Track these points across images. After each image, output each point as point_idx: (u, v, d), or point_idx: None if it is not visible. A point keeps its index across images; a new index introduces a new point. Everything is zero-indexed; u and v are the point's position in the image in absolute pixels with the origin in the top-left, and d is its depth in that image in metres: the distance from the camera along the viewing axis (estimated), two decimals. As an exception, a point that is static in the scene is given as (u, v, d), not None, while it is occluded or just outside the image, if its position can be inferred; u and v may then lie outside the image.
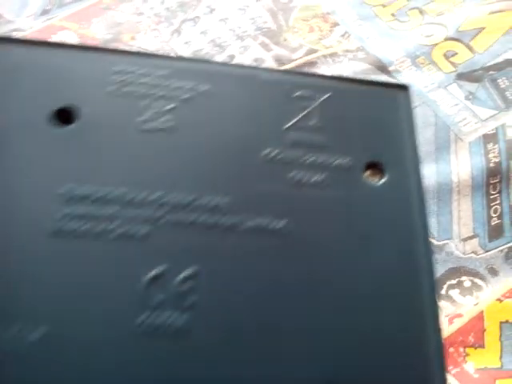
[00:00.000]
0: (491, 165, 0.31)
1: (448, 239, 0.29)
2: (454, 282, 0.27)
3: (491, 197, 0.30)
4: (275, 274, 0.13)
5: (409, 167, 0.16)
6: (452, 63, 0.36)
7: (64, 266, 0.12)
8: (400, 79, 0.35)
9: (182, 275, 0.13)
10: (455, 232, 0.29)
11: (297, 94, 0.16)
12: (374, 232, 0.15)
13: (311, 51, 0.38)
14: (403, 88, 0.17)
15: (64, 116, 0.14)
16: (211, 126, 0.15)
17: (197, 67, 0.16)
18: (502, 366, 0.25)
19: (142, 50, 0.20)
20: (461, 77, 0.36)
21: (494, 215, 0.30)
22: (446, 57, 0.37)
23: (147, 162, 0.14)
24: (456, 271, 0.28)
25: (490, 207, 0.30)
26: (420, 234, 0.15)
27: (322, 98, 0.16)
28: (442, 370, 0.14)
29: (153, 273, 0.13)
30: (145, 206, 0.13)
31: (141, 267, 0.13)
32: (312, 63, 0.37)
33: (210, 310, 0.12)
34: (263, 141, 0.15)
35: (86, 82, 0.14)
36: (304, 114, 0.16)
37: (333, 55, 0.38)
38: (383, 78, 0.36)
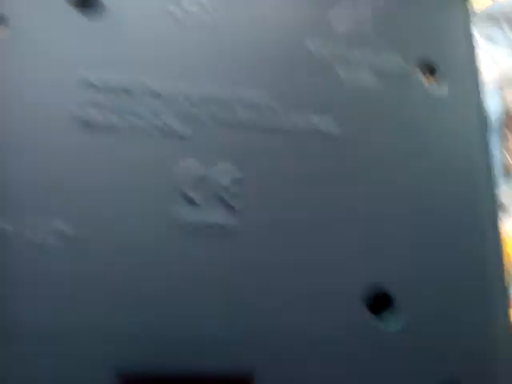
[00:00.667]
0: (506, 108, 0.31)
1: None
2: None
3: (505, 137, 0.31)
4: (323, 175, 0.12)
5: (466, 73, 0.14)
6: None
7: (96, 159, 0.12)
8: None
9: (220, 175, 0.12)
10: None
11: None
12: (427, 137, 0.13)
13: None
14: None
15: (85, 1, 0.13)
16: (249, 12, 0.13)
17: None
18: None
19: None
20: (480, 19, 0.36)
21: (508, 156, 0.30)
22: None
23: (179, 50, 0.13)
24: None
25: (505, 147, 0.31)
26: (480, 151, 0.14)
27: None
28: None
29: (192, 170, 0.12)
30: (178, 99, 0.12)
31: (179, 163, 0.12)
32: None
33: (250, 213, 0.12)
34: (307, 30, 0.13)
35: None
36: (350, 8, 0.14)
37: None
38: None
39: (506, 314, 0.13)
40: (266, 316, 0.11)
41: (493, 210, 0.13)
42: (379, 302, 0.12)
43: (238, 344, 0.11)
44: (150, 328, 0.11)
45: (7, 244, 0.11)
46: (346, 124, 0.13)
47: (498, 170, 0.30)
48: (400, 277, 0.12)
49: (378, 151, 0.13)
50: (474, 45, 0.15)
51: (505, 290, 0.13)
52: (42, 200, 0.11)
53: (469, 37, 0.15)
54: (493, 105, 0.32)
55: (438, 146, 0.13)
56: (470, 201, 0.13)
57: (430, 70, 0.14)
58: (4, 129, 0.11)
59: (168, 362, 0.11)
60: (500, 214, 0.26)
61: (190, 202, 0.11)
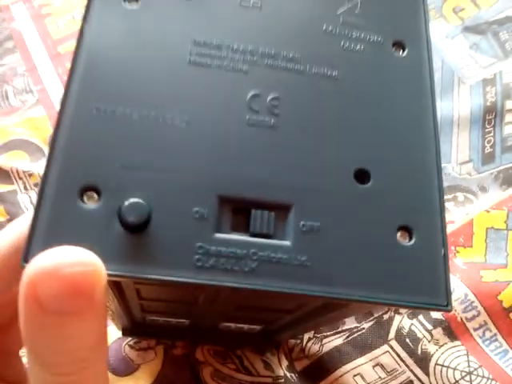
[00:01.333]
0: (488, 104, 0.36)
1: (447, 163, 0.35)
2: (449, 196, 0.32)
3: (486, 130, 0.35)
4: (330, 101, 0.20)
5: (423, 47, 0.22)
6: (459, 17, 0.41)
7: (196, 83, 0.19)
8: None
9: (270, 96, 0.20)
10: (453, 157, 0.34)
11: None
12: (397, 85, 0.21)
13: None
14: None
15: None
16: (285, 6, 0.21)
17: None
18: (486, 260, 0.30)
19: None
20: (467, 29, 0.40)
21: (487, 145, 0.35)
22: (455, 11, 0.41)
23: (244, 26, 0.21)
24: (452, 188, 0.33)
25: (484, 138, 0.35)
26: (428, 89, 0.21)
27: None
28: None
29: (252, 92, 0.19)
30: (244, 53, 0.20)
31: (245, 89, 0.19)
32: None
33: (289, 117, 0.19)
34: (323, 19, 0.21)
35: None
36: (351, 5, 0.22)
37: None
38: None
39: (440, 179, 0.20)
40: (293, 170, 0.19)
41: (433, 124, 0.21)
42: (361, 174, 0.19)
43: (279, 183, 0.18)
44: (234, 169, 0.18)
45: (151, 124, 0.18)
46: (344, 72, 0.21)
47: (478, 157, 0.34)
48: (374, 159, 0.19)
49: (362, 88, 0.21)
50: (428, 22, 0.23)
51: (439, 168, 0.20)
52: (169, 99, 0.19)
53: (426, 17, 0.23)
54: (476, 101, 0.36)
55: (401, 87, 0.21)
56: (419, 121, 0.21)
57: (399, 44, 0.22)
58: (141, 67, 0.19)
59: (242, 191, 0.18)
60: (480, 194, 0.31)
61: (252, 109, 0.19)
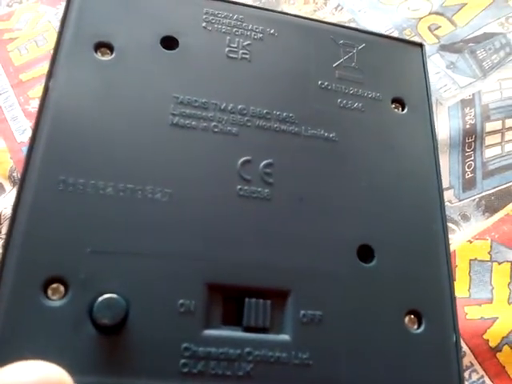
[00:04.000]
0: (467, 126, 0.34)
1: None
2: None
3: (466, 154, 0.34)
4: (328, 166, 0.19)
5: (424, 104, 0.21)
6: (435, 35, 0.40)
7: (180, 149, 0.17)
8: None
9: (263, 162, 0.18)
10: (433, 184, 0.33)
11: (341, 41, 0.21)
12: (397, 145, 0.20)
13: (307, 22, 0.41)
14: (420, 45, 0.23)
15: (169, 42, 0.19)
16: (278, 59, 0.20)
17: (265, 14, 0.20)
18: (470, 295, 0.29)
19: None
20: (443, 48, 0.39)
21: (467, 170, 0.33)
22: (430, 30, 0.40)
23: (233, 81, 0.19)
24: (433, 217, 0.31)
25: (464, 163, 0.33)
26: (431, 147, 0.20)
27: (360, 47, 0.21)
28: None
29: (243, 158, 0.18)
30: (233, 113, 0.18)
31: (235, 154, 0.18)
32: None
33: (284, 187, 0.18)
34: (318, 74, 0.20)
35: (184, 18, 0.19)
36: (347, 57, 0.20)
37: (326, 26, 0.41)
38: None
39: (449, 262, 0.19)
40: (289, 250, 0.17)
41: (438, 190, 0.20)
42: (364, 251, 0.18)
43: (275, 267, 0.17)
44: (224, 252, 0.16)
45: (128, 199, 0.16)
46: (341, 133, 0.19)
47: (459, 183, 0.33)
48: (378, 235, 0.18)
49: (361, 150, 0.19)
50: (428, 81, 0.21)
51: (447, 245, 0.19)
52: (149, 169, 0.17)
53: (426, 76, 0.21)
54: (454, 123, 0.35)
55: (401, 147, 0.20)
56: (422, 183, 0.20)
57: (399, 101, 0.20)
58: (116, 131, 0.17)
59: (234, 277, 0.16)
60: (462, 223, 0.29)
61: (243, 179, 0.17)
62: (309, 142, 0.19)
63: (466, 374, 0.27)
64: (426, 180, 0.19)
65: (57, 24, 0.43)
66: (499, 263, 0.30)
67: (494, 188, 0.32)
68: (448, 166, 0.33)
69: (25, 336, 0.14)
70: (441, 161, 0.33)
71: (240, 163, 0.17)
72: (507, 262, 0.29)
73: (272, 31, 0.20)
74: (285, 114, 0.19)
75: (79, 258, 0.15)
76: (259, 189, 0.17)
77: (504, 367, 0.27)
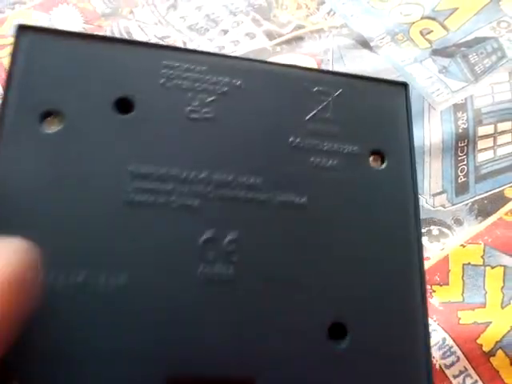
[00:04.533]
0: (460, 130, 0.34)
1: (420, 194, 0.33)
2: (424, 230, 0.31)
3: (459, 158, 0.34)
4: (299, 238, 0.17)
5: (405, 155, 0.19)
6: (428, 40, 0.40)
7: (135, 229, 0.16)
8: (380, 54, 0.39)
9: (227, 239, 0.16)
10: (426, 188, 0.33)
11: (315, 89, 0.19)
12: (375, 206, 0.18)
13: (299, 27, 0.41)
14: (404, 85, 0.21)
15: (123, 105, 0.17)
16: (245, 116, 0.18)
17: (230, 63, 0.19)
18: (463, 300, 0.29)
19: (182, 46, 0.22)
20: (435, 52, 0.39)
21: (460, 174, 0.33)
22: (423, 34, 0.40)
23: (195, 146, 0.17)
24: (426, 222, 0.31)
25: (457, 167, 0.33)
26: (411, 208, 0.18)
27: (335, 94, 0.19)
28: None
29: (205, 236, 0.16)
30: (195, 183, 0.17)
31: (196, 231, 0.16)
32: (300, 38, 0.41)
33: (250, 265, 0.16)
34: (289, 130, 0.18)
35: (140, 75, 0.17)
36: (320, 107, 0.19)
37: (319, 31, 0.41)
38: (365, 52, 0.39)
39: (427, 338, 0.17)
40: (255, 336, 0.16)
41: (418, 254, 0.18)
42: (335, 329, 0.17)
43: (239, 355, 0.16)
44: (181, 345, 0.15)
45: (77, 292, 0.15)
46: (314, 197, 0.18)
47: (452, 187, 0.33)
48: (351, 311, 0.17)
49: (336, 215, 0.18)
50: (411, 127, 0.20)
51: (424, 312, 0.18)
52: (100, 257, 0.15)
53: (409, 122, 0.20)
54: (447, 128, 0.35)
55: (380, 209, 0.18)
56: (402, 250, 0.18)
57: (378, 153, 0.19)
58: (64, 213, 0.16)
59: (196, 369, 0.15)
60: (455, 228, 0.29)
61: (205, 260, 0.16)
62: (277, 210, 0.17)
63: (460, 379, 0.27)
64: (405, 244, 0.18)
65: (49, 30, 0.43)
66: (492, 267, 0.30)
67: (487, 192, 0.32)
68: (441, 171, 0.33)
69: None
70: (434, 165, 0.34)
71: (201, 242, 0.16)
72: (500, 266, 0.30)
73: (238, 83, 0.18)
74: (251, 181, 0.17)
75: None
76: (222, 270, 0.16)
77: (498, 372, 0.27)
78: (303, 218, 0.17)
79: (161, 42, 0.41)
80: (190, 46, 0.40)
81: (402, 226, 0.18)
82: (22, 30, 0.17)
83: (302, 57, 0.39)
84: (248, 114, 0.18)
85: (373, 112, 0.19)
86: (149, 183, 0.16)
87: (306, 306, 0.16)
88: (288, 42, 0.41)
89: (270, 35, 0.41)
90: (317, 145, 0.18)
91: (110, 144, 0.16)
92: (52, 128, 0.16)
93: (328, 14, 0.42)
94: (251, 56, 0.39)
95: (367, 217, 0.18)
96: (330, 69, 0.38)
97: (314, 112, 0.19)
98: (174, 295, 0.16)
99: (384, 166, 0.19)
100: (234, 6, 0.43)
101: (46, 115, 0.16)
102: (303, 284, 0.17)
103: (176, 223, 0.16)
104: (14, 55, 0.16)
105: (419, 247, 0.18)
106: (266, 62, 0.20)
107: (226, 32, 0.42)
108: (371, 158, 0.19)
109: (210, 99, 0.18)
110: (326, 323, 0.16)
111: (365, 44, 0.39)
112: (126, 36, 0.42)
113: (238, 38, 0.41)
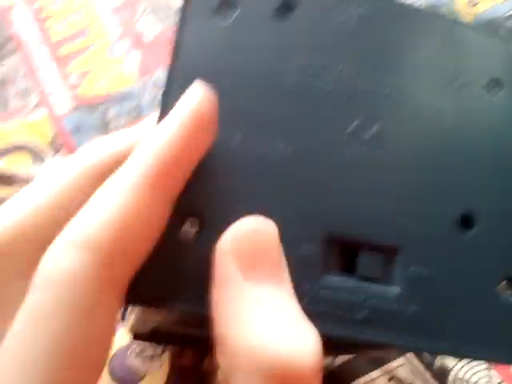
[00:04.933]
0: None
1: None
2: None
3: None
4: (435, 134, 0.19)
5: None
6: (473, 12, 0.40)
7: (300, 105, 0.18)
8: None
9: (374, 128, 0.18)
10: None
11: (437, 28, 0.21)
12: (501, 128, 0.20)
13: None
14: None
15: (287, 5, 0.19)
16: (386, 34, 0.20)
17: None
18: None
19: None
20: (484, 24, 0.39)
21: None
22: (468, 6, 0.40)
23: (352, 45, 0.19)
24: None
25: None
26: None
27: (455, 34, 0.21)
28: None
29: (357, 121, 0.18)
30: (351, 76, 0.19)
31: (349, 116, 0.18)
32: None
33: (393, 152, 0.18)
34: (421, 51, 0.20)
35: None
36: (443, 42, 0.20)
37: None
38: None
39: None
40: (397, 211, 0.18)
41: None
42: (465, 219, 0.18)
43: (387, 223, 0.18)
44: (339, 206, 0.17)
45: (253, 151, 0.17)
46: (447, 107, 0.20)
47: None
48: (480, 202, 0.19)
49: (466, 124, 0.20)
50: None
51: None
52: (269, 125, 0.18)
53: None
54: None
55: (504, 128, 0.20)
56: None
57: (497, 81, 0.20)
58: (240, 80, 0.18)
59: (351, 230, 0.17)
60: None
61: (355, 141, 0.18)
62: (417, 109, 0.19)
63: None
64: None
65: (92, 1, 0.44)
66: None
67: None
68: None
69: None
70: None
71: (353, 124, 0.18)
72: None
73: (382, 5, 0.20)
74: (396, 82, 0.19)
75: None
76: (369, 152, 0.18)
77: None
78: (438, 121, 0.19)
79: None
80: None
81: None
82: None
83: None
84: (390, 30, 0.20)
85: (489, 49, 0.21)
86: (306, 73, 0.18)
87: (440, 194, 0.18)
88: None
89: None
90: (444, 67, 0.20)
91: (274, 37, 0.18)
92: (226, 19, 0.18)
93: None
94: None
95: (494, 131, 0.20)
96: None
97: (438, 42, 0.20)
98: (328, 167, 0.18)
99: (502, 93, 0.20)
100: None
101: (222, 3, 0.18)
102: (438, 176, 0.19)
103: (332, 106, 0.18)
104: None
105: None
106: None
107: None
108: (491, 86, 0.20)
109: (359, 12, 0.19)
110: (456, 212, 0.18)
111: None
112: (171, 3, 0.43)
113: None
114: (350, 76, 0.19)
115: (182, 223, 0.16)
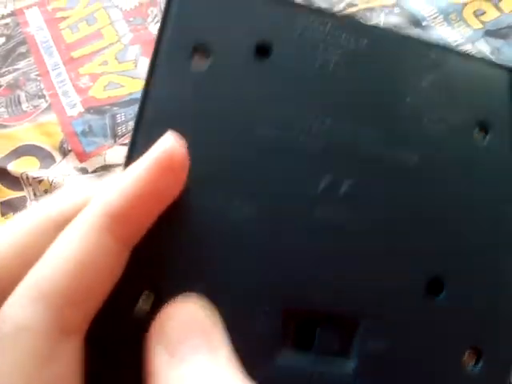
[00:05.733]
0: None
1: None
2: None
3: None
4: (406, 194, 0.18)
5: (507, 131, 0.20)
6: (481, 21, 0.39)
7: (265, 164, 0.17)
8: (432, 33, 0.39)
9: (344, 185, 0.18)
10: None
11: (428, 57, 0.20)
12: (480, 180, 0.19)
13: (351, 5, 0.41)
14: (509, 70, 0.21)
15: (262, 50, 0.18)
16: (367, 72, 0.19)
17: (357, 24, 0.20)
18: None
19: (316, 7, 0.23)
20: (488, 33, 0.39)
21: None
22: (476, 15, 0.40)
23: (321, 95, 0.18)
24: None
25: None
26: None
27: (447, 65, 0.20)
28: None
29: (325, 179, 0.18)
30: (318, 131, 0.18)
31: (317, 174, 0.18)
32: (351, 15, 0.41)
33: (362, 213, 0.18)
34: (405, 91, 0.19)
35: (279, 25, 0.19)
36: (430, 78, 0.20)
37: (371, 9, 0.41)
38: (417, 31, 0.39)
39: None
40: (360, 280, 0.17)
41: None
42: (434, 284, 0.18)
43: (349, 294, 0.17)
44: (300, 278, 0.17)
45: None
46: (424, 158, 0.19)
47: None
48: (448, 269, 0.18)
49: (443, 178, 0.19)
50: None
51: None
52: (235, 185, 0.17)
53: (509, 97, 0.20)
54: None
55: (481, 177, 0.19)
56: (498, 215, 0.19)
57: (483, 125, 0.20)
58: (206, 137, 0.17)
59: (308, 304, 0.17)
60: None
61: (321, 203, 0.17)
62: (391, 164, 0.18)
63: None
64: (503, 209, 0.19)
65: (107, 4, 0.44)
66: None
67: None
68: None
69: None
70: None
71: (321, 183, 0.17)
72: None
73: (365, 42, 0.19)
74: (369, 133, 0.18)
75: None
76: (336, 214, 0.17)
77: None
78: (413, 176, 0.18)
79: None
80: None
81: (504, 200, 0.19)
82: None
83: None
84: (371, 71, 0.19)
85: (476, 87, 0.20)
86: (278, 125, 0.18)
87: (409, 257, 0.18)
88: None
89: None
90: (426, 109, 0.19)
91: (248, 85, 0.18)
92: (200, 65, 0.18)
93: (380, -8, 0.42)
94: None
95: (472, 186, 0.19)
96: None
97: (427, 81, 0.20)
98: (293, 233, 0.17)
99: (487, 138, 0.19)
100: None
101: (196, 50, 0.18)
102: (408, 237, 0.18)
103: (301, 164, 0.18)
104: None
105: None
106: (385, 29, 0.22)
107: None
108: (476, 131, 0.19)
109: (338, 54, 0.19)
110: (425, 277, 0.17)
111: (417, 23, 0.40)
112: None
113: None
114: (323, 128, 0.18)
115: (138, 297, 0.15)
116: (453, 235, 0.18)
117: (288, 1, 0.19)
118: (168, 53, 0.17)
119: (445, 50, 0.21)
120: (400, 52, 0.20)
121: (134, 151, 0.16)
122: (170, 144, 0.15)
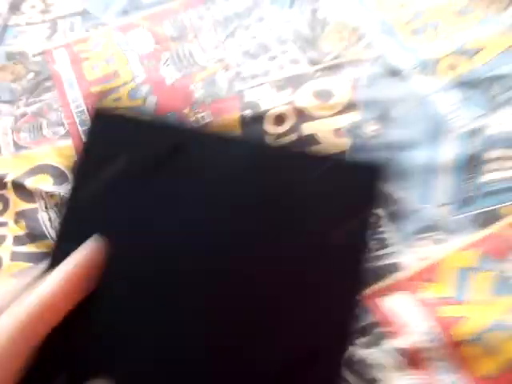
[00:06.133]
0: (472, 153, 0.38)
1: (427, 204, 0.37)
2: (426, 235, 0.35)
3: (468, 176, 0.37)
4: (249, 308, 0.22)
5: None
6: (454, 73, 0.44)
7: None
8: (408, 82, 0.43)
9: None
10: (433, 199, 0.36)
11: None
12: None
13: (339, 57, 0.46)
14: (373, 168, 0.22)
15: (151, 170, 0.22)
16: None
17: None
18: (451, 297, 0.32)
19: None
20: (461, 84, 0.43)
21: (467, 190, 0.37)
22: (451, 67, 0.44)
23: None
24: (429, 228, 0.35)
25: (465, 183, 0.37)
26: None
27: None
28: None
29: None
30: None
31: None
32: (339, 66, 0.46)
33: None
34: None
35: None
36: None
37: (357, 61, 0.46)
38: (394, 80, 0.44)
39: None
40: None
41: None
42: None
43: None
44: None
45: None
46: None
47: (458, 200, 0.36)
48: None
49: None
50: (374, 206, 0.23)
51: None
52: None
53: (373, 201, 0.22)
54: (461, 150, 0.38)
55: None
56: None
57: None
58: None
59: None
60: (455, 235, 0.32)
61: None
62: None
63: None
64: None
65: (125, 48, 0.50)
66: (484, 271, 0.33)
67: (487, 207, 0.36)
68: (450, 186, 0.37)
69: None
70: (444, 180, 0.37)
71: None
72: (491, 271, 0.33)
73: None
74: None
75: None
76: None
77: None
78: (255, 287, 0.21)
79: (218, 64, 0.48)
80: (241, 69, 0.46)
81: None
82: (97, 113, 0.23)
83: (338, 80, 0.44)
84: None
85: (345, 190, 0.21)
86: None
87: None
88: (328, 68, 0.46)
89: (312, 62, 0.46)
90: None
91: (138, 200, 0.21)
92: (110, 172, 0.21)
93: (366, 46, 0.47)
94: (293, 78, 0.45)
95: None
96: (362, 93, 0.43)
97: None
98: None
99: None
100: (284, 37, 0.49)
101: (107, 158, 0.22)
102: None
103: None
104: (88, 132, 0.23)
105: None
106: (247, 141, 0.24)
107: (274, 58, 0.48)
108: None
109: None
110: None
111: (396, 73, 0.44)
112: (189, 57, 0.49)
113: (284, 64, 0.47)
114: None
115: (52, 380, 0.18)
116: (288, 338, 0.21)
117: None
118: (87, 164, 0.21)
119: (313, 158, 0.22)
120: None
121: (58, 255, 0.20)
122: (87, 254, 0.19)
